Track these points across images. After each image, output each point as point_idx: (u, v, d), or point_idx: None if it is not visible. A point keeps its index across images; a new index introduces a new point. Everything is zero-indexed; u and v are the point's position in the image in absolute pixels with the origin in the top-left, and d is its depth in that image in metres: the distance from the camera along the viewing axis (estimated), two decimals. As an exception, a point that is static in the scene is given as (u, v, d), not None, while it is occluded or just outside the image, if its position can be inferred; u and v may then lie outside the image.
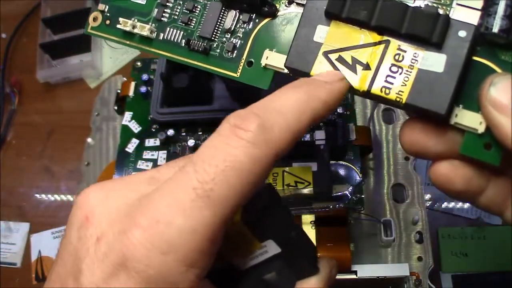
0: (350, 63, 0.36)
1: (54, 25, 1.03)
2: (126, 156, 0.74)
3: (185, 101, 0.74)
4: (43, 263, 0.81)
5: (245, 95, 0.72)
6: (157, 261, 0.28)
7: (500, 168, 0.33)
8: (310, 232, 0.68)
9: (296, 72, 0.38)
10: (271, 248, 0.35)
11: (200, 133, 0.74)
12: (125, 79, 0.85)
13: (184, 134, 0.75)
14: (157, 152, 0.74)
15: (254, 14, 0.42)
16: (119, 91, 0.83)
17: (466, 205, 0.75)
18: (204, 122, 0.75)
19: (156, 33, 0.45)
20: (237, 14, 0.43)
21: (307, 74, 0.37)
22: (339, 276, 0.64)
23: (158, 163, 0.73)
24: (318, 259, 0.37)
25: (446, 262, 0.71)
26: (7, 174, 0.92)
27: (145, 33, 0.44)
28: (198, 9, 0.44)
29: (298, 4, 0.40)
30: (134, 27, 0.45)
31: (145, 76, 0.80)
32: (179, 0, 0.45)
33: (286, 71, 0.39)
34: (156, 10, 0.45)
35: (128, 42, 0.46)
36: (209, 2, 0.44)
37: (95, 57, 0.99)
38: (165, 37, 0.45)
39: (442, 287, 0.70)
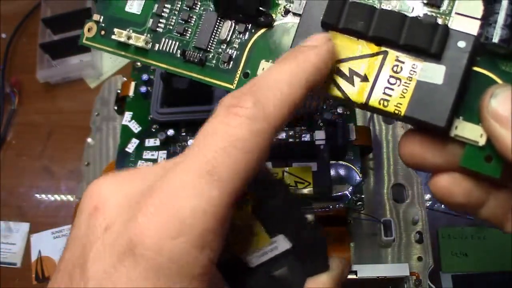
0: (348, 74, 0.35)
1: (54, 25, 1.03)
2: (126, 156, 0.74)
3: (185, 101, 0.74)
4: (43, 263, 0.81)
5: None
6: (167, 246, 0.27)
7: (501, 181, 0.32)
8: (310, 232, 0.68)
9: None
10: (282, 244, 0.35)
11: (200, 133, 0.74)
12: (125, 79, 0.85)
13: (184, 134, 0.75)
14: (157, 152, 0.74)
15: (250, 25, 0.41)
16: (119, 91, 0.83)
17: (466, 204, 0.75)
18: (204, 122, 0.74)
19: (151, 43, 0.44)
20: (233, 24, 0.42)
21: None
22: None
23: (158, 164, 0.72)
24: (331, 258, 0.37)
25: (446, 262, 0.71)
26: (7, 174, 0.92)
27: (140, 44, 0.44)
28: (194, 19, 0.43)
29: (294, 14, 0.39)
30: (129, 37, 0.44)
31: (145, 76, 0.80)
32: (174, 10, 0.44)
33: None
34: (151, 20, 0.44)
35: (123, 53, 0.45)
36: (204, 12, 0.43)
37: (95, 57, 0.99)
38: (161, 48, 0.44)
39: (442, 287, 0.70)
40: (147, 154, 0.74)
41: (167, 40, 0.44)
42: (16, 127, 0.98)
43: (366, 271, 0.63)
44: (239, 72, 0.41)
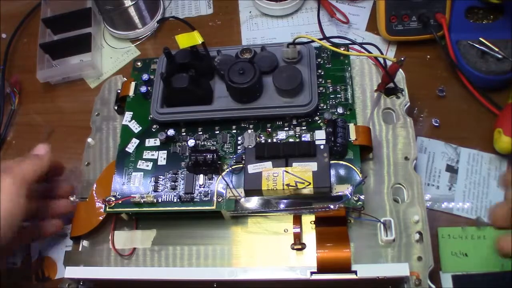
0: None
1: (54, 25, 1.03)
2: (126, 156, 0.74)
3: (185, 101, 0.74)
4: (43, 263, 0.81)
5: (245, 95, 0.72)
6: None
7: None
8: (310, 232, 0.68)
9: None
10: None
11: (200, 133, 0.74)
12: (125, 79, 0.85)
13: (184, 134, 0.75)
14: (157, 152, 0.74)
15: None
16: (119, 91, 0.83)
17: (466, 205, 0.75)
18: (204, 122, 0.75)
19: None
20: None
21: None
22: (339, 276, 0.64)
23: (158, 163, 0.73)
24: None
25: (446, 262, 0.71)
26: (7, 174, 0.92)
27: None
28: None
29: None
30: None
31: (145, 76, 0.80)
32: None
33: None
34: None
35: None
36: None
37: (95, 57, 0.99)
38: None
39: (442, 287, 0.69)
40: (147, 154, 0.74)
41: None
42: (16, 127, 0.97)
43: (366, 271, 0.63)
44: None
